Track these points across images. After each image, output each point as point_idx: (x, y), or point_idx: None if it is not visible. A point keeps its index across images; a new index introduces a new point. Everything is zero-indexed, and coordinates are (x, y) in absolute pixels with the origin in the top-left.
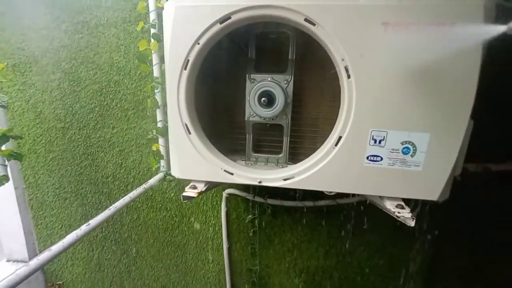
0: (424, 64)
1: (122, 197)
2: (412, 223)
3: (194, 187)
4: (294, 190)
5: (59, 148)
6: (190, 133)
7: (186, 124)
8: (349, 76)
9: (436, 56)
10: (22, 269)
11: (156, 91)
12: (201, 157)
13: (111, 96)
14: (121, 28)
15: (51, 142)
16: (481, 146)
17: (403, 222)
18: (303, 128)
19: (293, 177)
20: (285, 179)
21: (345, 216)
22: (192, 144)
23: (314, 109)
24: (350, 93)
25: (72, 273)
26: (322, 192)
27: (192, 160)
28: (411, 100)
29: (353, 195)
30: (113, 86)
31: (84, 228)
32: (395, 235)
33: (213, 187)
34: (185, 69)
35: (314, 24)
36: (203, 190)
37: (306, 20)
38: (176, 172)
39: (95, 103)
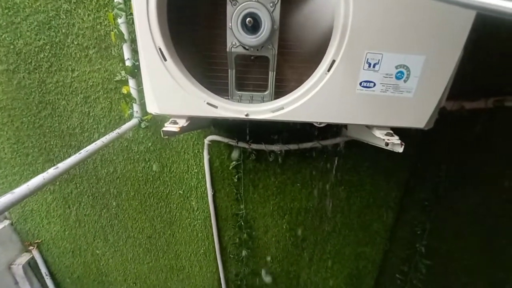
0: None
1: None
2: (400, 149)
3: (175, 122)
4: (278, 134)
5: (6, 96)
6: (165, 60)
7: (160, 49)
8: None
9: None
10: None
11: (119, 21)
12: (181, 88)
13: (63, 31)
14: None
15: None
16: (458, 84)
17: (391, 149)
18: (290, 63)
19: (282, 108)
20: (273, 111)
21: (327, 158)
22: (168, 73)
23: (302, 42)
24: (346, 10)
25: (50, 231)
26: (306, 134)
27: (170, 91)
28: (410, 19)
29: (336, 136)
30: (64, 17)
31: (51, 171)
32: (372, 173)
33: (194, 127)
34: None
35: None
36: (184, 125)
37: None
38: (152, 108)
39: (44, 40)
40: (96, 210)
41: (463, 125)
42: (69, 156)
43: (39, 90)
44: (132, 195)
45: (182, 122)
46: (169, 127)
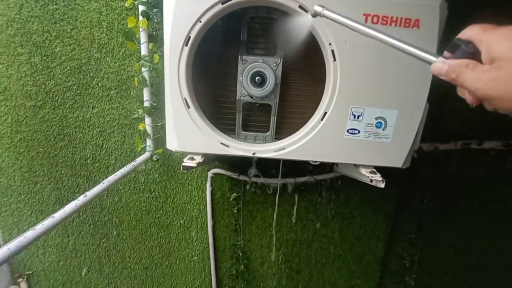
0: (393, 54)
1: (103, 179)
2: (382, 185)
3: (193, 159)
4: (276, 168)
5: (28, 128)
6: (189, 107)
7: (185, 99)
8: (334, 59)
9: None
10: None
11: (144, 69)
12: (199, 130)
13: (91, 74)
14: (103, 2)
15: (18, 121)
16: (432, 129)
17: (375, 185)
18: (288, 109)
19: (283, 149)
20: (276, 151)
21: (321, 191)
22: (191, 118)
23: (299, 91)
24: (335, 74)
25: (44, 261)
26: (301, 170)
27: (190, 133)
28: (384, 82)
29: (329, 171)
30: (94, 63)
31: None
32: (362, 206)
33: (207, 161)
34: (186, 45)
35: (306, 11)
36: (200, 161)
37: (300, 7)
38: (173, 146)
39: (72, 81)
40: (95, 239)
41: (438, 163)
42: (77, 185)
43: (60, 123)
44: (134, 225)
45: (198, 158)
46: (188, 162)
